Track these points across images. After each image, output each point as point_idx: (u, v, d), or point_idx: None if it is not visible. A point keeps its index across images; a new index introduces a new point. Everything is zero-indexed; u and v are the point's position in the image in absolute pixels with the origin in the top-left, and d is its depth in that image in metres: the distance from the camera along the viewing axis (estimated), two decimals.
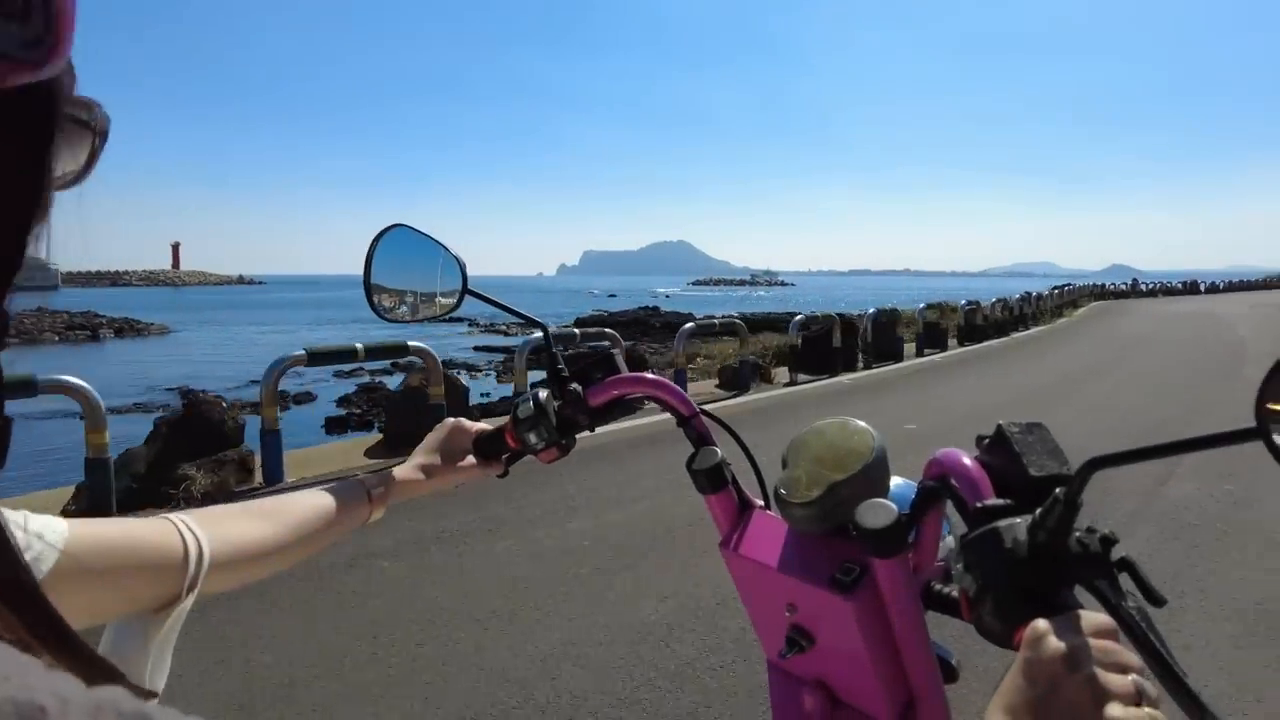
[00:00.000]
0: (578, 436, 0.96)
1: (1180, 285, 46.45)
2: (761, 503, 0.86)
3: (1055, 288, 26.08)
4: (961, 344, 15.48)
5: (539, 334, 1.05)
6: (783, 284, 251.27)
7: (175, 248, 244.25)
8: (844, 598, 0.69)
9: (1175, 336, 16.53)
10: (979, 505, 0.61)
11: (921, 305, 15.14)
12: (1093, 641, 0.48)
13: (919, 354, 13.60)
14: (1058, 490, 0.55)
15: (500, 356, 23.49)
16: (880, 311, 12.75)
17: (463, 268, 0.95)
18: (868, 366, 11.95)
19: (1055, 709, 0.47)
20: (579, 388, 0.93)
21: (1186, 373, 10.70)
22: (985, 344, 15.47)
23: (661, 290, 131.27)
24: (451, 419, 0.98)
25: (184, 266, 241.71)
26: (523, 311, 1.04)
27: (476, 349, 26.65)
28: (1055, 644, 0.49)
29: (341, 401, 14.97)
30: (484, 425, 0.98)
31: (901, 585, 0.69)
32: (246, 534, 0.70)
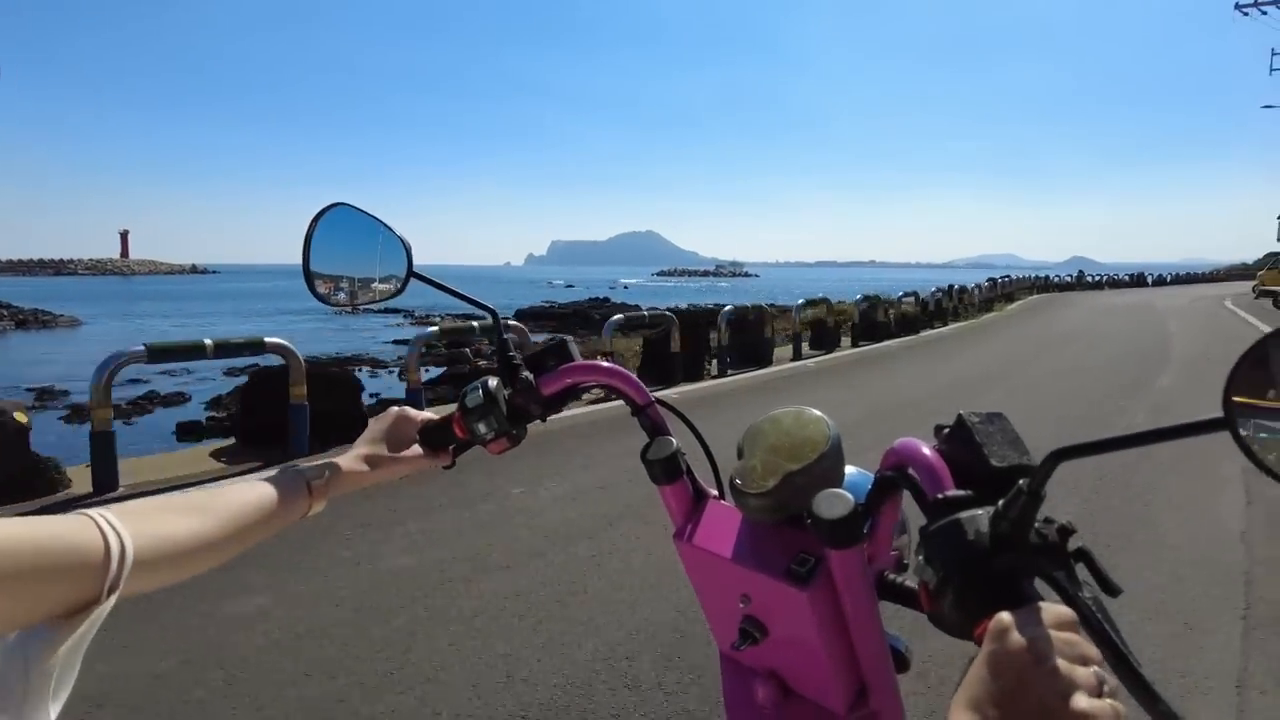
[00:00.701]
0: (529, 426, 0.93)
1: (1128, 278, 45.84)
2: (715, 493, 0.85)
3: (991, 279, 25.21)
4: (856, 344, 13.86)
5: (488, 319, 1.08)
6: (746, 275, 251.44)
7: (124, 236, 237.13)
8: (799, 589, 0.69)
9: (1101, 332, 15.35)
10: (940, 496, 0.60)
11: (800, 301, 13.18)
12: (1055, 634, 0.48)
13: (796, 357, 11.87)
14: (1021, 481, 0.54)
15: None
16: (739, 309, 10.88)
17: (408, 250, 0.92)
18: (721, 374, 10.13)
19: (1022, 703, 0.47)
20: (531, 376, 0.90)
21: (1093, 380, 9.41)
22: (884, 344, 13.93)
23: (622, 281, 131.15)
24: (396, 408, 0.93)
25: (135, 255, 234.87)
26: (470, 296, 0.97)
27: (396, 342, 25.17)
28: (1019, 638, 0.48)
29: (213, 403, 13.68)
30: (430, 414, 0.94)
31: (857, 576, 0.69)
32: (174, 529, 0.66)
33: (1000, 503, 0.56)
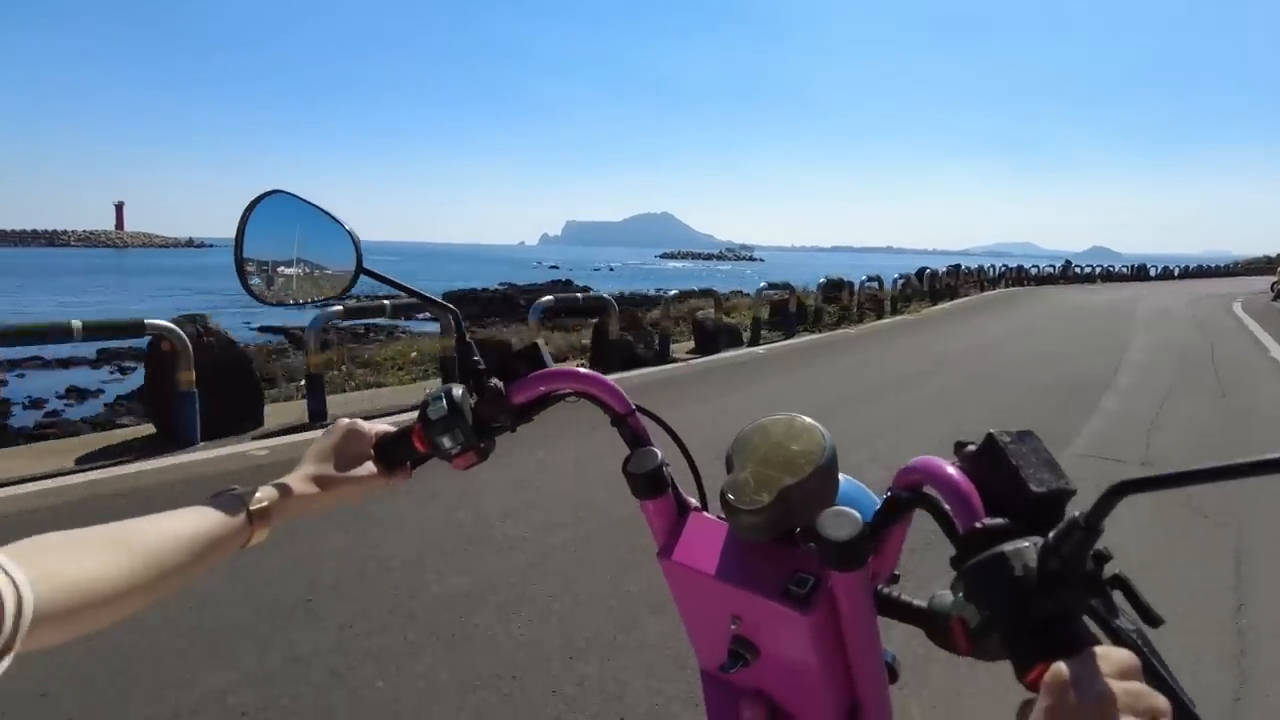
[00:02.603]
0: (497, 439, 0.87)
1: (1127, 270, 40.12)
2: (696, 503, 0.80)
3: (925, 270, 19.68)
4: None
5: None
6: (751, 259, 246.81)
7: (119, 207, 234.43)
8: (799, 611, 0.65)
9: (1025, 355, 10.30)
10: (979, 525, 0.56)
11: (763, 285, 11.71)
12: (1119, 684, 0.45)
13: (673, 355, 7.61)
14: (1077, 513, 0.50)
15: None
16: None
17: (356, 243, 0.86)
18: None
19: None
20: (500, 384, 0.84)
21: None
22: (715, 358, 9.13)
23: (608, 264, 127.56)
24: (346, 419, 0.85)
25: (131, 228, 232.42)
26: (428, 295, 0.94)
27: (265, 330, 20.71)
28: (1082, 693, 0.44)
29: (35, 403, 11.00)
30: (385, 426, 0.86)
31: (859, 598, 0.66)
32: (85, 571, 0.58)
33: (1051, 535, 0.51)
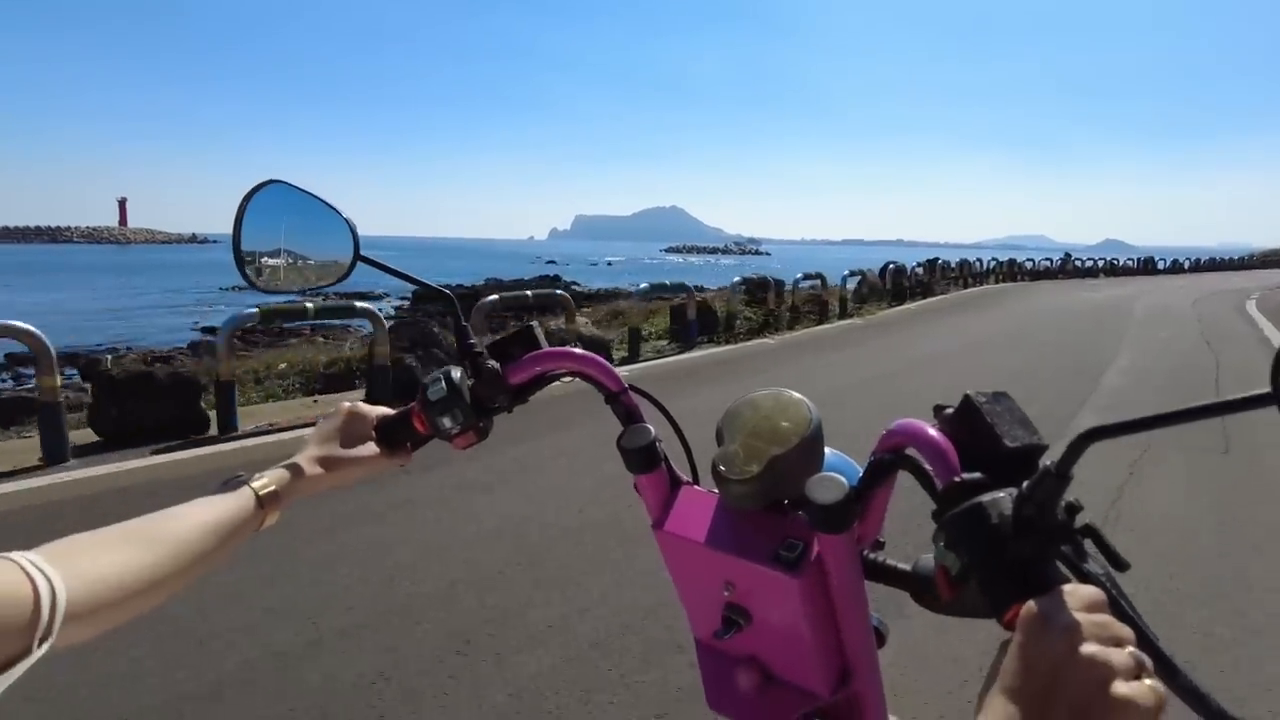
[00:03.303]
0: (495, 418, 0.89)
1: (1132, 263, 37.11)
2: (688, 478, 0.82)
3: (893, 265, 17.25)
4: None
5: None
6: (757, 253, 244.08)
7: (122, 203, 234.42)
8: (790, 575, 0.67)
9: (964, 379, 7.87)
10: (957, 480, 0.58)
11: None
12: (1086, 617, 0.48)
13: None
14: (1048, 462, 0.54)
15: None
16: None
17: (353, 231, 0.88)
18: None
19: (1060, 694, 0.46)
20: (497, 365, 0.86)
21: None
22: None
23: (606, 259, 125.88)
24: (347, 404, 0.88)
25: (134, 224, 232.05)
26: (423, 280, 0.95)
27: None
28: (1053, 625, 0.47)
29: None
30: (384, 409, 0.89)
31: (847, 561, 0.68)
32: (112, 567, 0.60)
33: (1025, 485, 0.54)
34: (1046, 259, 30.86)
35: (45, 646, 0.51)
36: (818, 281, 13.08)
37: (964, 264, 22.76)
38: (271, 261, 0.88)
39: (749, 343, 10.13)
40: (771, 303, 11.44)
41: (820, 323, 12.70)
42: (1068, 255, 31.69)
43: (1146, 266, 36.93)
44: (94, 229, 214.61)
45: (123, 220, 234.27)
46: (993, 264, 25.62)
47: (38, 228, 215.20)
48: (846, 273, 14.01)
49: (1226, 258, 45.31)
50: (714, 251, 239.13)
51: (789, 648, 0.72)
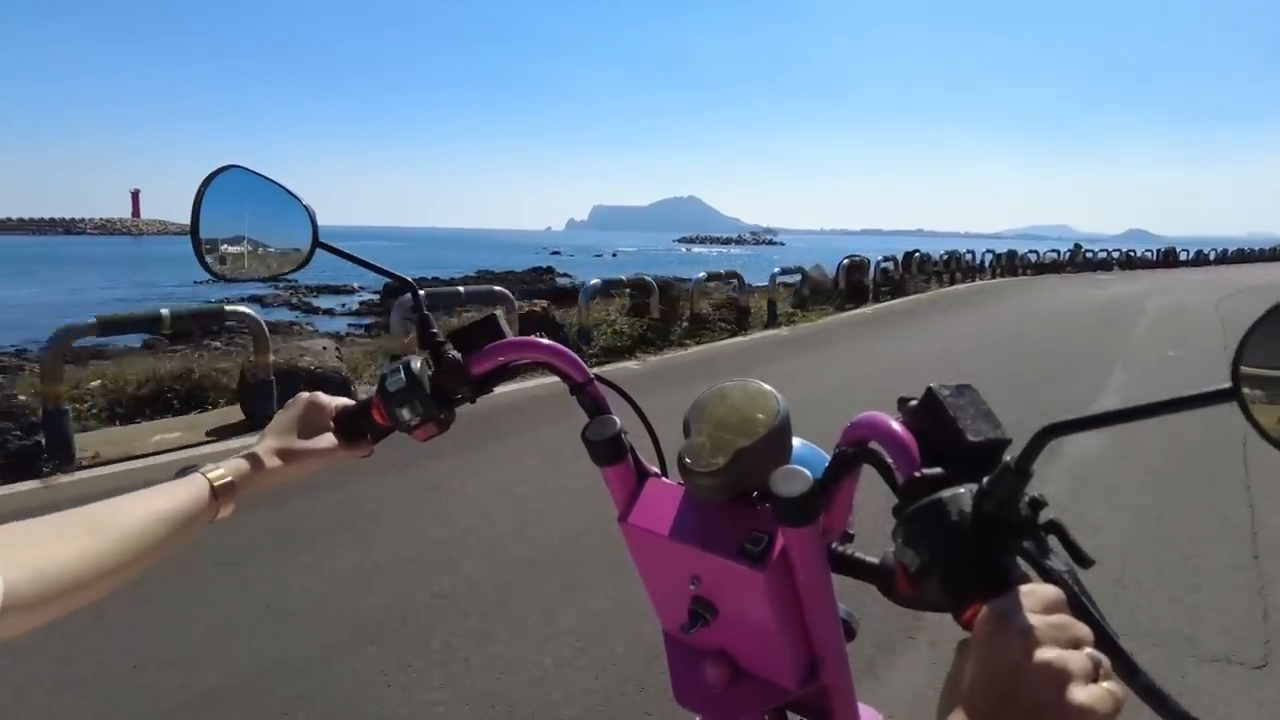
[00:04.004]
0: (458, 410, 0.87)
1: (1151, 254, 33.67)
2: (656, 469, 0.82)
3: (861, 257, 14.52)
4: None
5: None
6: (771, 243, 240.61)
7: (135, 195, 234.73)
8: (754, 569, 0.67)
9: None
10: (917, 475, 0.57)
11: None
12: (1044, 619, 0.47)
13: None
14: (1008, 457, 0.52)
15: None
16: None
17: (312, 217, 0.86)
18: None
19: (1018, 698, 0.45)
20: (458, 355, 0.85)
21: None
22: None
23: (624, 249, 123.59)
24: (305, 393, 0.86)
25: (147, 215, 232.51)
26: (384, 268, 0.90)
27: None
28: (1010, 627, 0.46)
29: None
30: (343, 400, 0.88)
31: (812, 554, 0.68)
32: (55, 558, 0.58)
33: (985, 480, 0.53)
34: (1053, 250, 27.74)
35: None
36: (734, 282, 10.44)
37: (953, 256, 19.96)
38: (232, 249, 0.87)
39: (602, 368, 7.56)
40: (654, 311, 8.83)
41: (735, 334, 10.04)
42: (1077, 246, 28.53)
43: (1167, 258, 33.61)
44: (107, 220, 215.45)
45: (135, 212, 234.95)
46: (986, 256, 22.69)
47: (52, 219, 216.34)
48: (777, 270, 11.29)
49: (1257, 248, 41.60)
50: (726, 242, 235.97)
51: (756, 641, 0.72)
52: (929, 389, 0.62)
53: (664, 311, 9.09)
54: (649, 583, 0.79)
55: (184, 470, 0.74)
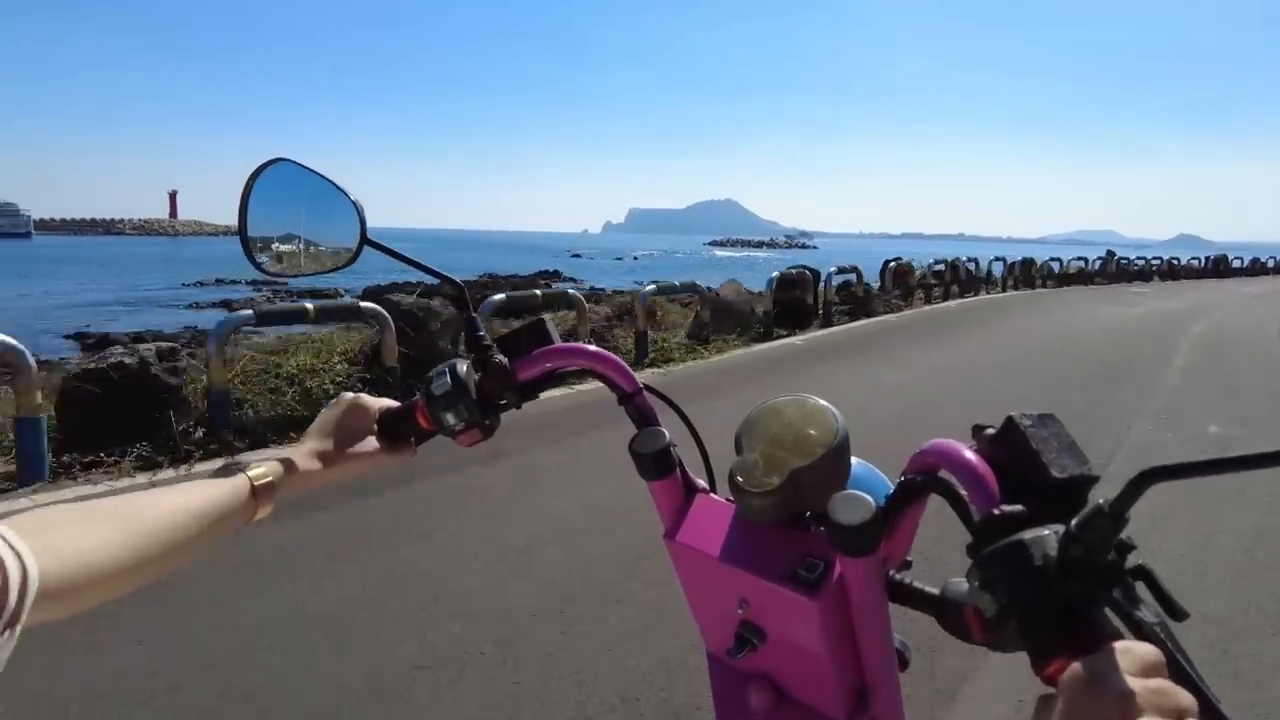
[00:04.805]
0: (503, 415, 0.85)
1: (1197, 262, 28.84)
2: (704, 484, 0.79)
3: (790, 270, 11.23)
4: None
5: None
6: (804, 246, 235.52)
7: (172, 196, 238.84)
8: (808, 597, 0.64)
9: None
10: (996, 512, 0.53)
11: None
12: (1144, 682, 0.42)
13: None
14: (1101, 500, 0.47)
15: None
16: None
17: (360, 213, 0.84)
18: None
19: None
20: (505, 360, 0.83)
21: None
22: None
23: (646, 251, 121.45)
24: (349, 394, 0.84)
25: (184, 215, 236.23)
26: (432, 268, 0.88)
27: None
28: (1105, 691, 0.42)
29: None
30: (388, 401, 0.86)
31: (870, 584, 0.64)
32: (88, 545, 0.57)
33: (1073, 523, 0.48)
34: (1079, 259, 23.78)
35: (14, 634, 0.48)
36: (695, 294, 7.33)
37: (950, 266, 16.49)
38: (282, 246, 0.86)
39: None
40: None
41: (649, 364, 6.96)
42: (1110, 254, 24.66)
43: (1217, 266, 29.39)
44: (145, 221, 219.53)
45: (173, 212, 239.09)
46: (993, 265, 19.02)
47: (92, 220, 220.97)
48: (649, 286, 8.05)
49: None
50: (757, 245, 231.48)
51: (805, 668, 0.70)
52: (1009, 417, 0.58)
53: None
54: (694, 603, 0.77)
55: (227, 467, 0.73)
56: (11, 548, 0.49)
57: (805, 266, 11.31)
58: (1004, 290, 18.68)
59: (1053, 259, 21.62)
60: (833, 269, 11.81)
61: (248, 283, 42.80)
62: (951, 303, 15.23)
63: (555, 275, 42.84)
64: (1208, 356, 9.16)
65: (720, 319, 9.18)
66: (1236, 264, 30.71)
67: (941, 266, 15.85)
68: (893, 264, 13.82)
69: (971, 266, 17.33)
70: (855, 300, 12.28)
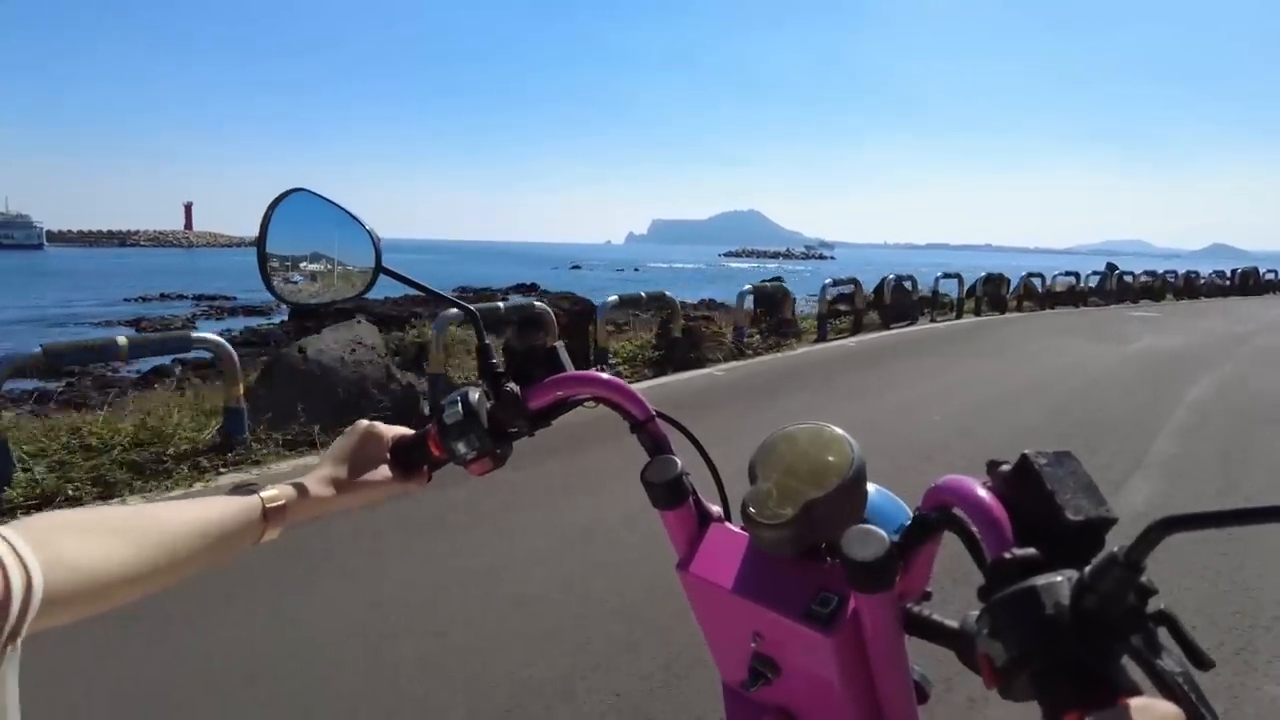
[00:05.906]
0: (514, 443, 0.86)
1: (1221, 277, 24.25)
2: (718, 511, 0.79)
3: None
4: None
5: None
6: (822, 257, 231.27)
7: (188, 208, 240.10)
8: (822, 633, 0.64)
9: None
10: (1008, 556, 0.52)
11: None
12: None
13: None
14: (1116, 549, 0.46)
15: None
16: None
17: (376, 242, 0.86)
18: None
19: None
20: (516, 388, 0.84)
21: None
22: None
23: (656, 262, 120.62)
24: (364, 421, 0.86)
25: (199, 227, 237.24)
26: (447, 295, 0.91)
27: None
28: None
29: None
30: (402, 430, 0.86)
31: (885, 619, 0.63)
32: (92, 555, 0.57)
33: (1087, 570, 0.47)
34: (1069, 273, 19.36)
35: (16, 644, 0.47)
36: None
37: (896, 284, 12.48)
38: (303, 270, 0.87)
39: None
40: None
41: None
42: (1111, 267, 20.32)
43: (1245, 281, 24.95)
44: (160, 233, 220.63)
45: (188, 224, 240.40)
46: (940, 282, 14.87)
47: (109, 231, 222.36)
48: (611, 298, 4.45)
49: None
50: (774, 256, 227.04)
51: (821, 702, 0.69)
52: (1024, 455, 0.56)
53: None
54: (708, 633, 0.76)
55: (241, 488, 0.73)
56: (18, 555, 0.48)
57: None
58: (959, 316, 14.61)
59: (1034, 275, 17.40)
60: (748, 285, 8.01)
61: (194, 297, 40.13)
62: (852, 340, 10.82)
63: (532, 288, 40.40)
64: (1210, 441, 5.22)
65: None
66: (1270, 276, 26.23)
67: (850, 288, 11.62)
68: (769, 284, 9.86)
69: (908, 285, 13.25)
70: (775, 331, 8.40)
